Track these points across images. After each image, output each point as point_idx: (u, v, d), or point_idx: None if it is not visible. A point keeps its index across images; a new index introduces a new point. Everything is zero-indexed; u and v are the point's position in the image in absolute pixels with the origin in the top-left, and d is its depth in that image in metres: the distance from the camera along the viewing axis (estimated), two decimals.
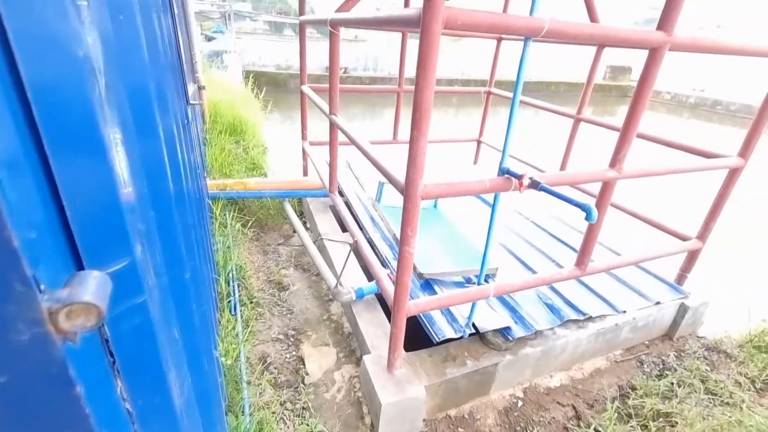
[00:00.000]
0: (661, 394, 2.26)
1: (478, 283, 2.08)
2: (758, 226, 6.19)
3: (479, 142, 5.00)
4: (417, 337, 2.22)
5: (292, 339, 2.40)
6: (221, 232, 2.98)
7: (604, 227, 2.22)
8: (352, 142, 2.27)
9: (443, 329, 2.13)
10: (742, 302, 3.52)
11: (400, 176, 1.61)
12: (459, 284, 2.60)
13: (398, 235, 3.02)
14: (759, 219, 6.46)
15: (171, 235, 1.05)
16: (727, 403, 2.23)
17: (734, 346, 2.76)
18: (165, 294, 0.86)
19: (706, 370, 2.48)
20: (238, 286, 2.65)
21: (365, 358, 2.05)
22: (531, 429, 2.06)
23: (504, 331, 2.21)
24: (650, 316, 2.63)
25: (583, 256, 2.20)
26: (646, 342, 2.78)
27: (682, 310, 2.74)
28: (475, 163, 5.14)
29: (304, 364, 2.23)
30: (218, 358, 1.61)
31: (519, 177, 1.64)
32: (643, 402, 2.18)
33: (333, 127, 2.80)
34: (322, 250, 3.22)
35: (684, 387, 2.32)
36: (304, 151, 4.03)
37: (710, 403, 2.23)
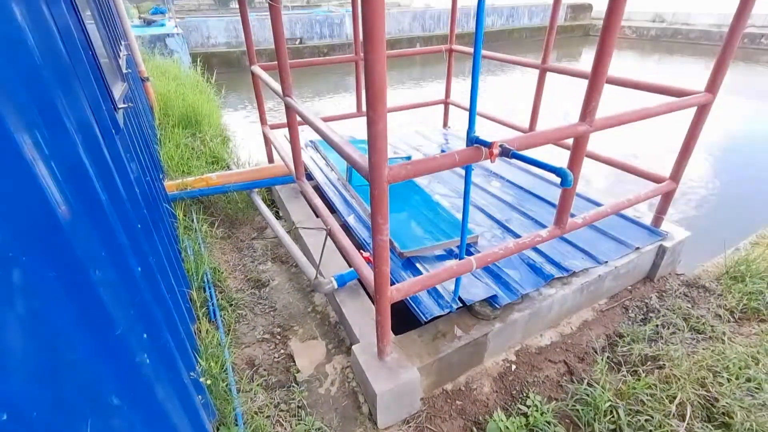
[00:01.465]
0: (647, 338, 2.31)
1: (460, 257, 2.02)
2: (725, 157, 6.36)
3: (447, 104, 4.85)
4: (405, 317, 2.17)
5: (278, 337, 2.33)
6: (188, 236, 2.82)
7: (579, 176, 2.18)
8: (311, 125, 2.11)
9: (430, 308, 2.09)
10: (715, 234, 3.62)
11: (364, 161, 1.50)
12: (441, 257, 2.55)
13: None
14: (726, 150, 6.63)
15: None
16: (710, 338, 2.30)
17: (712, 279, 2.83)
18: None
19: (688, 307, 2.55)
20: (215, 290, 2.53)
21: (355, 347, 2.00)
22: (526, 390, 2.08)
23: (491, 300, 2.19)
24: (631, 262, 2.66)
25: (561, 214, 2.16)
26: (629, 287, 2.83)
27: (661, 251, 2.78)
28: (445, 125, 5.02)
29: (294, 361, 2.17)
30: (197, 380, 1.52)
31: (489, 145, 1.54)
32: (631, 348, 2.22)
33: (289, 109, 2.61)
34: (298, 239, 3.11)
35: (668, 328, 2.38)
36: (265, 137, 3.82)
37: (694, 339, 2.30)
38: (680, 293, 2.71)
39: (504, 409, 2.00)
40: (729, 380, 1.95)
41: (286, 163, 3.12)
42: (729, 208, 5.00)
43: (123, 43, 3.93)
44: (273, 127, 3.88)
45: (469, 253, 2.35)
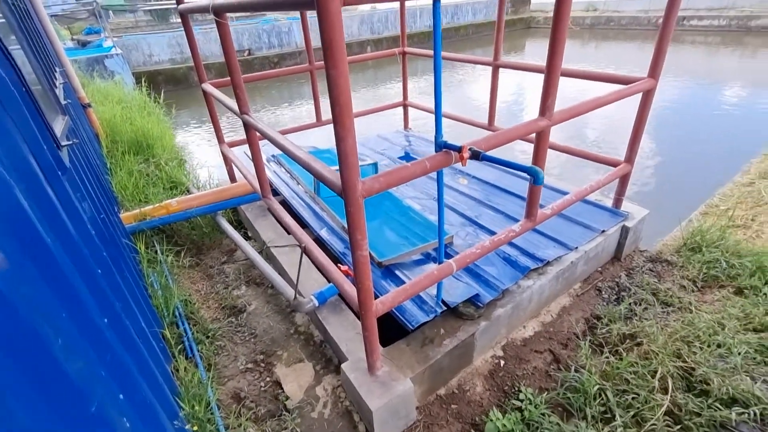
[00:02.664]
0: (623, 317, 2.41)
1: (439, 261, 2.02)
2: (662, 135, 6.78)
3: (405, 106, 4.88)
4: (389, 325, 2.15)
5: (262, 365, 2.23)
6: (153, 269, 2.66)
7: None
8: (274, 143, 2.04)
9: (415, 315, 2.07)
10: (666, 208, 3.85)
11: (336, 178, 1.46)
12: (420, 261, 2.55)
13: (346, 226, 2.89)
14: (661, 127, 7.07)
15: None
16: (679, 308, 2.43)
17: (672, 252, 3.00)
18: None
19: (655, 282, 2.68)
20: (189, 324, 2.40)
21: (344, 366, 1.95)
22: (517, 384, 2.11)
23: (473, 299, 2.20)
24: (599, 245, 2.76)
25: (531, 207, 2.20)
26: (599, 269, 2.94)
27: (624, 231, 2.91)
28: (406, 127, 5.04)
29: (281, 388, 2.10)
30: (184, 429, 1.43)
31: (458, 150, 1.55)
32: (610, 329, 2.31)
33: (249, 127, 2.52)
34: (271, 258, 3.01)
35: (640, 304, 2.49)
36: (224, 156, 3.68)
37: (664, 312, 2.42)
38: (646, 269, 2.85)
39: (498, 406, 2.01)
40: (701, 348, 2.06)
41: (250, 182, 3.02)
42: (673, 182, 5.34)
43: (58, 70, 3.67)
44: (231, 144, 3.74)
45: (448, 256, 2.36)
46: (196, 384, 1.94)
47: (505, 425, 1.81)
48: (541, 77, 1.91)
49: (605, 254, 2.95)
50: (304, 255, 2.34)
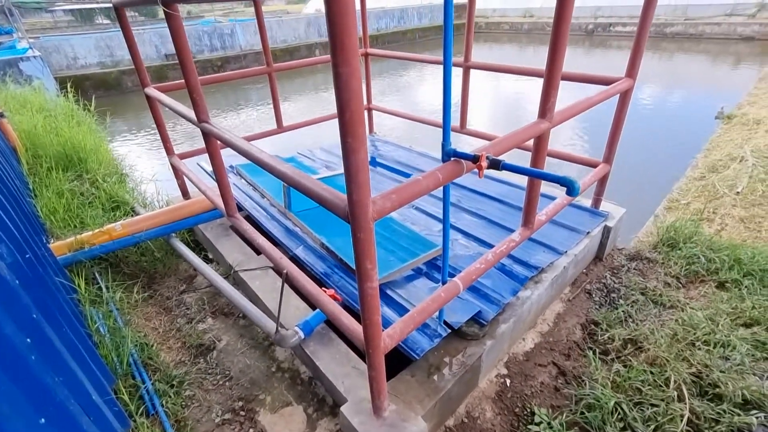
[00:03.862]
0: (620, 321, 2.36)
1: (443, 280, 1.83)
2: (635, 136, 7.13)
3: (370, 109, 4.67)
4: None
5: (242, 413, 1.91)
6: (97, 309, 2.24)
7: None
8: (250, 157, 1.75)
9: (419, 342, 1.86)
10: (632, 206, 3.95)
11: (337, 197, 1.22)
12: (411, 277, 2.34)
13: (327, 244, 2.62)
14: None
15: None
16: (671, 306, 2.43)
17: (650, 249, 3.04)
18: None
19: (641, 281, 2.68)
20: (148, 373, 2.02)
21: (344, 409, 1.69)
22: (528, 405, 1.97)
23: (476, 317, 2.04)
24: (585, 247, 2.72)
25: (529, 214, 2.08)
26: (584, 270, 2.91)
27: (606, 231, 2.90)
28: (371, 131, 4.83)
29: None
30: None
31: (474, 159, 1.36)
32: (612, 336, 2.24)
33: (208, 137, 2.19)
34: (241, 284, 2.67)
35: (632, 306, 2.46)
36: (175, 168, 3.26)
37: (657, 312, 2.40)
38: (630, 268, 2.85)
39: (512, 431, 1.86)
40: (704, 349, 2.04)
41: (209, 197, 2.66)
42: (628, 180, 5.59)
43: None
44: (183, 156, 3.33)
45: (438, 268, 2.17)
46: None
47: None
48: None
49: (589, 255, 2.92)
50: (284, 282, 2.04)
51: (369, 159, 4.15)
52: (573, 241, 2.68)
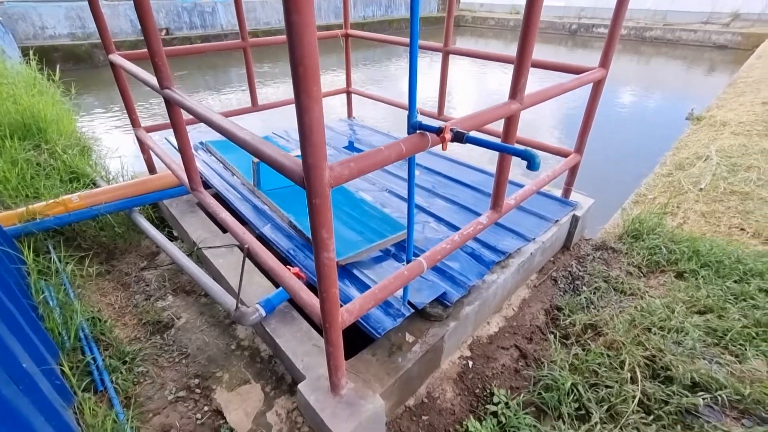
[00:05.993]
0: (583, 307, 2.40)
1: (408, 259, 1.81)
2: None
3: (349, 93, 4.59)
4: (346, 331, 1.89)
5: (198, 391, 1.86)
6: (47, 282, 2.12)
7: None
8: (205, 121, 1.68)
9: (381, 321, 1.84)
10: (600, 200, 4.02)
11: (293, 162, 1.17)
12: (379, 259, 2.32)
13: (294, 222, 2.57)
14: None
15: None
16: (631, 295, 2.49)
17: (615, 240, 3.11)
18: None
19: (605, 269, 2.73)
20: (99, 348, 1.94)
21: (302, 386, 1.66)
22: (488, 386, 1.99)
23: (441, 298, 2.03)
24: (554, 235, 2.75)
25: (497, 198, 2.08)
26: (551, 258, 2.95)
27: (575, 221, 2.94)
28: (349, 115, 4.76)
29: (224, 418, 1.75)
30: None
31: (438, 131, 1.34)
32: (573, 320, 2.28)
33: (171, 105, 2.09)
34: (204, 262, 2.59)
35: (595, 293, 2.51)
36: (140, 142, 3.13)
37: (619, 300, 2.46)
38: (595, 257, 2.90)
39: (472, 412, 1.87)
40: (659, 334, 2.09)
41: (174, 172, 2.55)
42: (598, 175, 5.71)
43: None
44: (150, 129, 3.20)
45: (417, 254, 2.16)
46: (109, 427, 1.53)
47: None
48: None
49: (557, 243, 2.96)
50: (246, 258, 1.98)
51: (347, 143, 4.10)
52: (541, 228, 2.71)
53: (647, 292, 2.49)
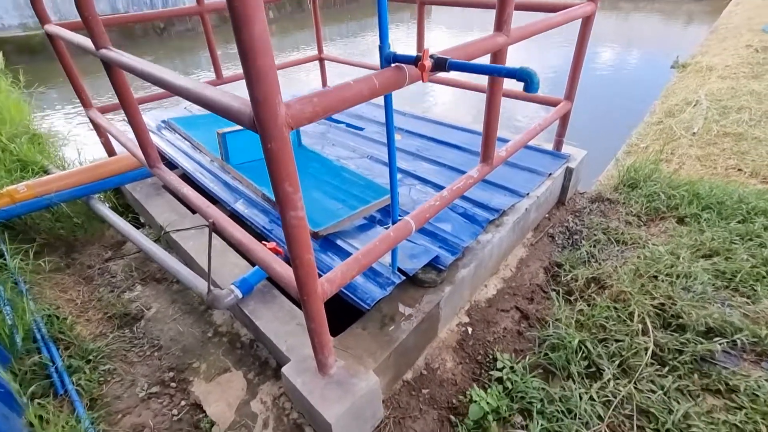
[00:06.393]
0: (583, 261, 2.27)
1: (393, 220, 1.63)
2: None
3: (321, 60, 4.30)
4: (335, 308, 1.72)
5: (173, 385, 1.68)
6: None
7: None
8: (147, 77, 1.43)
9: (370, 291, 1.67)
10: (601, 153, 3.87)
11: (241, 102, 0.96)
12: (364, 227, 2.13)
13: (269, 195, 2.35)
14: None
15: None
16: (632, 245, 2.36)
17: (611, 191, 2.97)
18: None
19: (603, 221, 2.60)
20: (59, 348, 1.73)
21: (286, 369, 1.49)
22: (491, 351, 1.85)
23: (433, 263, 1.86)
24: (548, 189, 2.60)
25: (487, 149, 1.89)
26: (546, 215, 2.81)
27: (568, 173, 2.78)
28: (324, 84, 4.47)
29: (203, 412, 1.58)
30: None
31: (416, 60, 1.13)
32: (575, 275, 2.14)
33: (111, 67, 1.83)
34: (174, 246, 2.37)
35: (595, 246, 2.38)
36: (95, 124, 2.84)
37: (620, 251, 2.33)
38: (592, 210, 2.76)
39: (475, 380, 1.73)
40: (666, 282, 1.97)
41: (130, 150, 2.30)
42: (587, 128, 5.56)
43: None
44: (105, 110, 2.90)
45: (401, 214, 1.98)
46: (72, 428, 1.35)
47: (489, 403, 1.53)
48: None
49: (552, 199, 2.81)
50: (213, 233, 1.78)
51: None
52: (534, 183, 2.55)
53: (649, 240, 2.36)
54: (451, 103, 6.87)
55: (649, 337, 1.69)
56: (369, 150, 3.00)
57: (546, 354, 1.74)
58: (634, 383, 1.56)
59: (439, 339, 1.92)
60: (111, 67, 1.81)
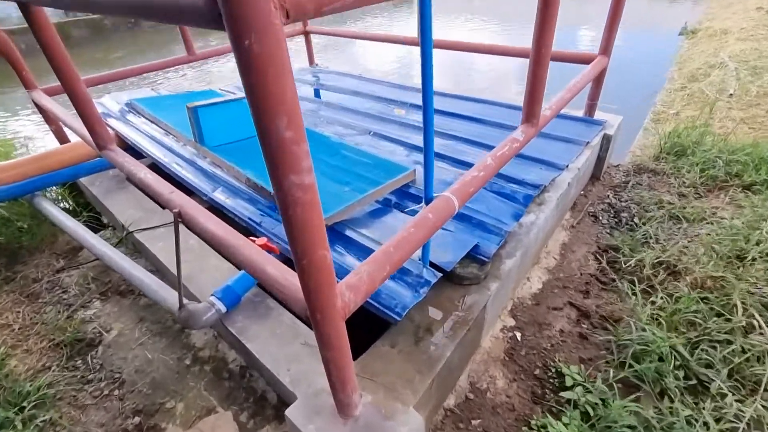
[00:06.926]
0: (639, 243, 1.88)
1: (427, 199, 1.21)
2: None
3: (307, 34, 3.84)
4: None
5: None
6: None
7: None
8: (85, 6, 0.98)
9: (398, 296, 1.25)
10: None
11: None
12: (378, 212, 1.70)
13: (255, 180, 1.91)
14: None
15: None
16: (698, 220, 1.97)
17: (651, 161, 2.59)
18: None
19: (653, 195, 2.21)
20: None
21: (291, 413, 1.07)
22: (551, 362, 1.45)
23: (473, 253, 1.45)
24: (587, 160, 2.21)
25: (533, 107, 1.48)
26: (581, 192, 2.42)
27: (605, 141, 2.39)
28: (311, 62, 4.00)
29: None
30: None
31: None
32: (641, 259, 1.75)
33: (30, 13, 1.36)
34: (141, 250, 1.92)
35: (652, 224, 1.99)
36: (41, 109, 2.35)
37: (681, 228, 1.94)
38: (634, 184, 2.38)
39: (538, 402, 1.33)
40: (765, 262, 1.59)
41: (75, 130, 1.83)
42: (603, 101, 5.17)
43: None
44: (53, 91, 2.41)
45: (414, 198, 1.56)
46: None
47: None
48: None
49: (587, 172, 2.42)
50: (185, 229, 1.34)
51: (312, 93, 3.39)
52: (572, 153, 2.15)
53: (715, 213, 1.98)
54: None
55: (764, 335, 1.30)
56: (371, 126, 2.56)
57: (625, 364, 1.34)
58: (762, 400, 1.17)
59: (482, 350, 1.51)
60: (30, 13, 1.35)
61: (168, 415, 1.29)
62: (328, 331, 0.82)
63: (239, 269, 1.55)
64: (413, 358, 1.19)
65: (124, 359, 1.48)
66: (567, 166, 2.05)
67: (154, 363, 1.45)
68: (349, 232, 1.56)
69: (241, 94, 2.53)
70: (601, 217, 2.17)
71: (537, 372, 1.44)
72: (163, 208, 2.01)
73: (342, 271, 1.35)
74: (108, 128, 1.71)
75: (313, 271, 0.72)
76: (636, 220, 2.06)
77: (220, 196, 1.84)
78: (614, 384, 1.28)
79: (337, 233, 1.57)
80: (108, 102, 2.88)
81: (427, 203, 1.18)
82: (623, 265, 1.78)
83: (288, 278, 0.87)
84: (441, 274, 1.33)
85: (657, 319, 1.48)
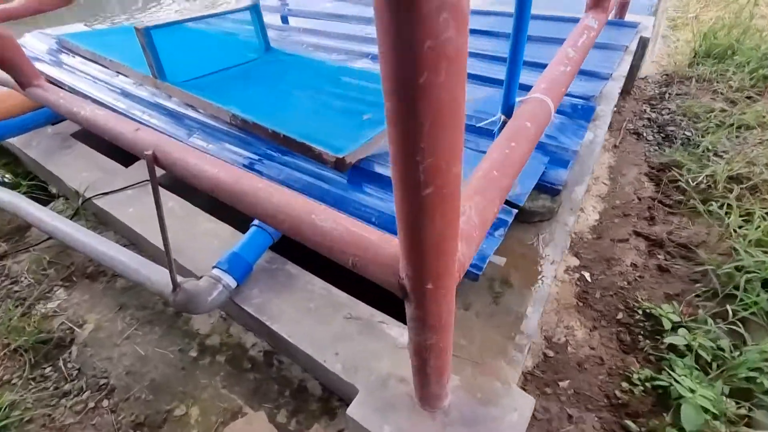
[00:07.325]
0: (698, 157, 1.64)
1: (508, 107, 0.87)
2: None
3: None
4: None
5: None
6: None
7: None
8: None
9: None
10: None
11: None
12: None
13: (245, 116, 1.49)
14: None
15: None
16: (753, 126, 1.73)
17: (684, 66, 2.30)
18: None
19: (699, 105, 1.95)
20: None
21: (354, 412, 0.79)
22: (635, 301, 1.22)
23: (543, 182, 1.15)
24: (627, 64, 1.90)
25: None
26: (614, 109, 2.12)
27: (641, 45, 2.08)
28: None
29: None
30: None
31: None
32: (711, 176, 1.51)
33: None
34: (105, 220, 1.53)
35: (706, 135, 1.74)
36: None
37: (740, 137, 1.70)
38: (672, 94, 2.10)
39: (628, 351, 1.11)
40: None
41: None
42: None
43: None
44: None
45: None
46: None
47: (706, 397, 0.91)
48: None
49: (621, 83, 2.12)
50: (164, 183, 0.96)
51: (280, 20, 2.85)
52: (613, 60, 1.82)
53: None
54: None
55: None
56: (365, 48, 2.13)
57: (741, 300, 1.13)
58: None
59: (550, 296, 1.26)
60: None
61: (180, 425, 0.99)
62: (438, 309, 0.52)
63: (243, 232, 1.20)
64: (497, 321, 0.92)
65: (108, 359, 1.15)
66: (610, 74, 1.74)
67: (150, 360, 1.13)
68: (380, 169, 1.21)
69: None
70: (645, 134, 1.91)
71: (620, 316, 1.21)
72: (128, 160, 1.58)
73: (386, 219, 1.03)
74: (29, 61, 1.25)
75: (437, 212, 0.40)
76: (688, 132, 1.80)
77: (199, 142, 1.43)
78: (717, 327, 1.06)
79: (367, 173, 1.23)
80: (31, 41, 2.29)
81: (506, 113, 0.85)
82: (690, 184, 1.54)
83: (364, 234, 0.55)
84: (515, 210, 1.04)
85: (751, 241, 1.26)
